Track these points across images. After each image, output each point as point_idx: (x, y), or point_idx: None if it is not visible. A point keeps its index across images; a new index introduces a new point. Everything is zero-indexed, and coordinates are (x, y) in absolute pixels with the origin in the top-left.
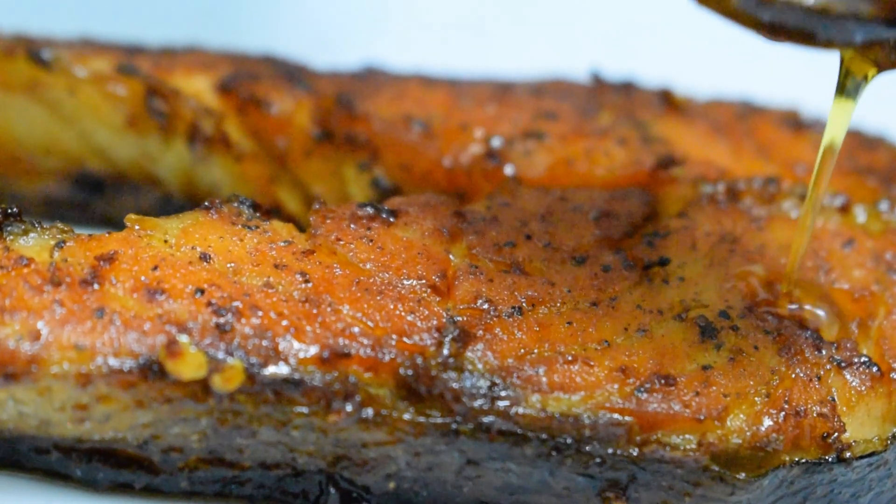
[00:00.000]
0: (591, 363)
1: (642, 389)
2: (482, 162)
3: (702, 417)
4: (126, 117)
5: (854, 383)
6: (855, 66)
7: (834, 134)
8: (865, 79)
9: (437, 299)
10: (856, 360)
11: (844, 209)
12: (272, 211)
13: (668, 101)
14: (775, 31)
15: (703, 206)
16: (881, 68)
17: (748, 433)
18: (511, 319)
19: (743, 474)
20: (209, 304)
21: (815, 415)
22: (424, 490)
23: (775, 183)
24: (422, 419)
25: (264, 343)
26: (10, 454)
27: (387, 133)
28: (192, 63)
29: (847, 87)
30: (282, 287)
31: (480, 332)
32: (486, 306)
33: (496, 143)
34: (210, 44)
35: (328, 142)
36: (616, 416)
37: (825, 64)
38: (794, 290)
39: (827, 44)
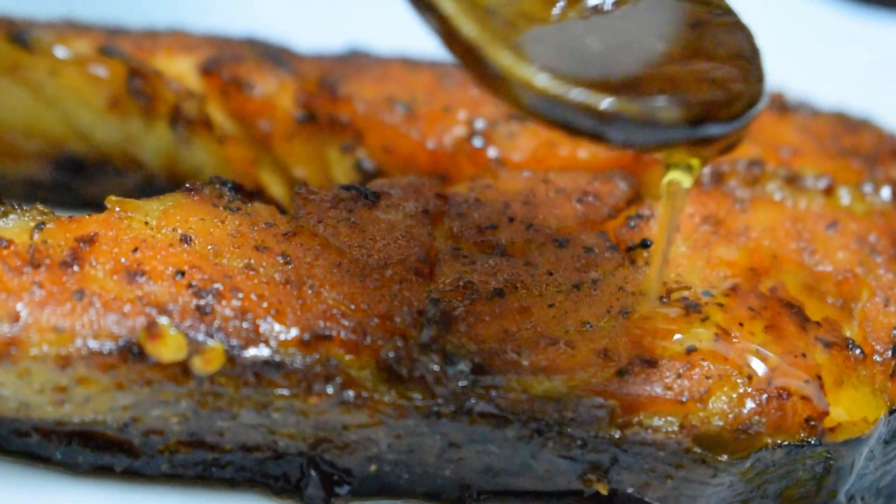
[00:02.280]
0: (573, 345)
1: (624, 372)
2: (465, 144)
3: (684, 399)
4: (108, 99)
5: (838, 366)
6: (676, 158)
7: (670, 215)
8: (690, 168)
9: (419, 281)
10: (840, 342)
11: (828, 191)
12: (254, 193)
13: None
14: (571, 131)
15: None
16: (704, 162)
17: (730, 415)
18: (493, 302)
19: (725, 456)
20: (190, 286)
21: (798, 397)
22: (406, 472)
23: (759, 165)
24: (403, 402)
25: (245, 325)
26: None
27: (370, 115)
28: (175, 45)
29: (673, 172)
30: (263, 269)
31: (462, 314)
32: (468, 289)
33: (479, 125)
34: (193, 26)
35: (311, 124)
36: (598, 398)
37: (810, 46)
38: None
39: (627, 146)
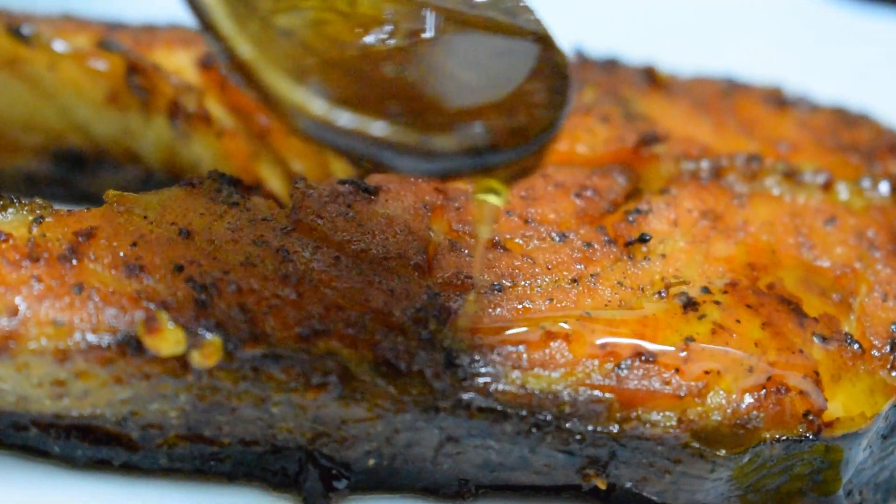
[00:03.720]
0: (572, 340)
1: (623, 366)
2: None
3: (682, 394)
4: (107, 93)
5: (836, 361)
6: (479, 183)
7: (482, 231)
8: (494, 191)
9: (418, 276)
10: (838, 337)
11: (827, 186)
12: (253, 187)
13: (651, 78)
14: (349, 157)
15: (685, 183)
16: (508, 185)
17: (728, 410)
18: (492, 296)
19: (723, 451)
20: (188, 280)
21: (796, 392)
22: (404, 467)
23: (758, 160)
24: (402, 396)
25: (243, 319)
26: None
27: None
28: (173, 39)
29: (481, 194)
30: (261, 263)
31: (461, 308)
32: (466, 283)
33: None
34: (191, 20)
35: None
36: (596, 392)
37: (808, 42)
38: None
39: (410, 174)
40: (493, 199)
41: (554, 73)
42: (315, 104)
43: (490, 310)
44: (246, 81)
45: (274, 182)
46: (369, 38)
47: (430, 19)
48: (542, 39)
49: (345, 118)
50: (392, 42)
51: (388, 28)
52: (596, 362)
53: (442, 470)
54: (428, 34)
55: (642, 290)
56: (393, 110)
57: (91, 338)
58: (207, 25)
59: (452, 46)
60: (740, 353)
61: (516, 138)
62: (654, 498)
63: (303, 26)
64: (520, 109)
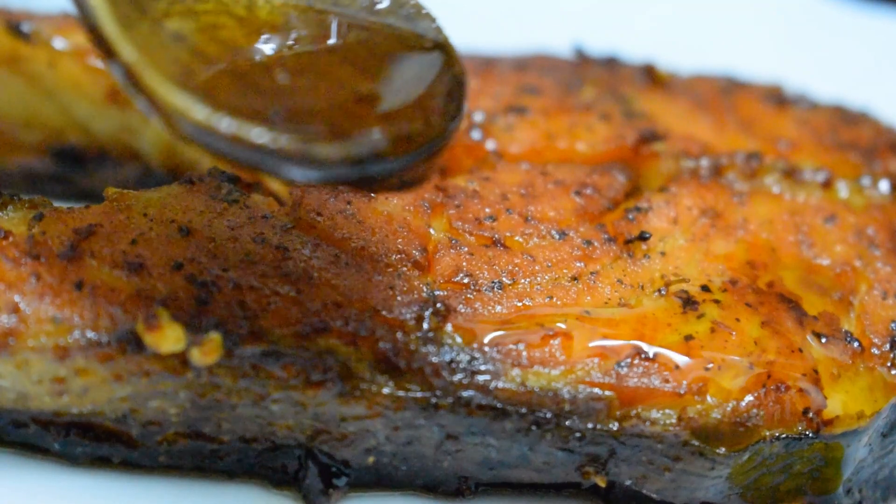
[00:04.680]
0: (571, 337)
1: (622, 364)
2: (464, 136)
3: (682, 392)
4: (106, 91)
5: (835, 359)
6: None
7: None
8: None
9: (418, 273)
10: (837, 335)
11: (827, 184)
12: (253, 185)
13: (651, 76)
14: (233, 163)
15: (685, 181)
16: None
17: (728, 408)
18: (491, 294)
19: (723, 449)
20: (188, 277)
21: (796, 390)
22: (404, 464)
23: (757, 158)
24: (401, 393)
25: (243, 317)
26: None
27: None
28: None
29: None
30: (261, 261)
31: (461, 306)
32: (466, 280)
33: (478, 118)
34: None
35: None
36: (596, 390)
37: (808, 41)
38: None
39: (296, 181)
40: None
41: (449, 82)
42: (196, 109)
43: (490, 307)
44: (129, 83)
45: (274, 180)
46: (263, 45)
47: (329, 26)
48: (441, 48)
49: (225, 124)
50: (287, 49)
51: (284, 34)
52: (595, 360)
53: (442, 467)
54: (325, 41)
55: (642, 287)
56: (277, 117)
57: (91, 335)
58: (92, 27)
59: (348, 54)
60: (740, 351)
61: (402, 148)
62: (654, 495)
63: (195, 30)
64: (409, 119)
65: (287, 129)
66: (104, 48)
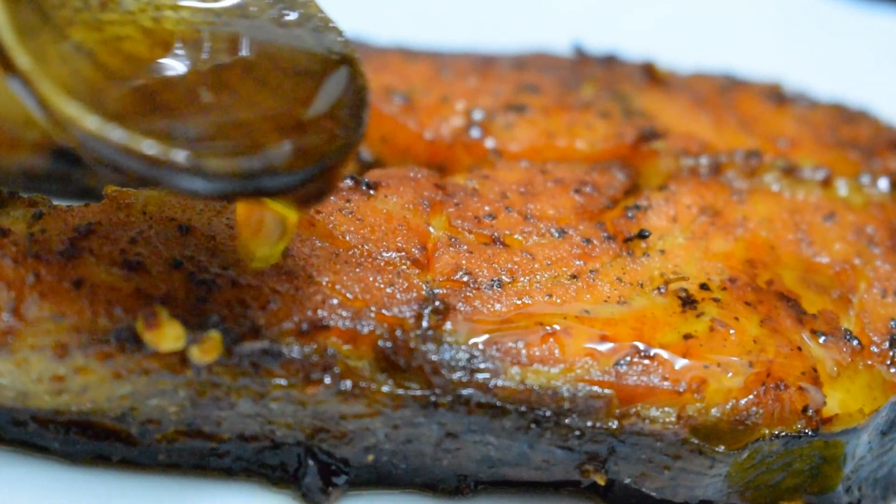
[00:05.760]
0: (571, 336)
1: (622, 363)
2: (463, 135)
3: (681, 390)
4: None
5: (835, 357)
6: (271, 205)
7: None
8: (282, 222)
9: (417, 271)
10: (836, 333)
11: (826, 182)
12: None
13: (650, 74)
14: (127, 174)
15: (684, 179)
16: (296, 207)
17: (727, 406)
18: (491, 292)
19: (722, 447)
20: (187, 276)
21: (795, 388)
22: (403, 463)
23: (757, 156)
24: (400, 391)
25: (243, 315)
26: None
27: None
28: None
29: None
30: None
31: (460, 304)
32: (465, 278)
33: (477, 116)
34: None
35: None
36: (595, 388)
37: (808, 39)
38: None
39: (188, 194)
40: (278, 219)
41: (351, 96)
42: (88, 119)
43: (489, 305)
44: (24, 90)
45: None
46: (167, 57)
47: (235, 39)
48: (346, 62)
49: (116, 134)
50: (190, 62)
51: (189, 46)
52: (595, 358)
53: (441, 465)
54: (230, 54)
55: (641, 286)
56: (171, 130)
57: (90, 333)
58: None
59: (252, 68)
60: (739, 349)
61: (298, 162)
62: (653, 494)
63: (98, 41)
64: (307, 133)
65: (180, 143)
66: (1, 56)
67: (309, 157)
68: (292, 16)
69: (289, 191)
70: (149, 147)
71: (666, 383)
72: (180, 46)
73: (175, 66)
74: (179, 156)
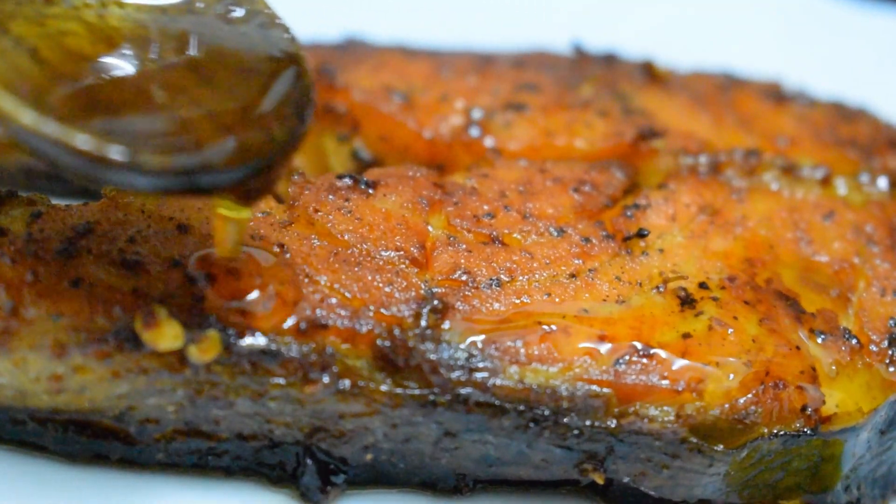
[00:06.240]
0: (570, 335)
1: (620, 361)
2: (462, 134)
3: (680, 389)
4: None
5: (834, 355)
6: (220, 203)
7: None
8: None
9: (416, 270)
10: (835, 332)
11: (825, 181)
12: None
13: (649, 72)
14: (61, 170)
15: (683, 178)
16: (241, 204)
17: (726, 405)
18: (489, 291)
19: (721, 446)
20: (186, 274)
21: (794, 387)
22: (402, 462)
23: (756, 155)
24: (399, 390)
25: (241, 314)
26: None
27: (367, 104)
28: None
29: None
30: (259, 258)
31: (459, 303)
32: (464, 277)
33: (476, 115)
34: None
35: None
36: (594, 387)
37: (807, 37)
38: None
39: (123, 187)
40: (233, 216)
41: (296, 95)
42: (24, 114)
43: (488, 304)
44: None
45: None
46: (111, 54)
47: (180, 35)
48: (292, 60)
49: (50, 129)
50: (133, 58)
51: (133, 42)
52: (593, 357)
53: (440, 464)
54: (175, 50)
55: (640, 285)
56: (112, 127)
57: (88, 332)
58: None
59: (196, 65)
60: (738, 348)
61: (234, 160)
62: (652, 493)
63: (39, 36)
64: (248, 131)
65: (119, 140)
66: None
67: (248, 154)
68: (239, 12)
69: (228, 188)
70: (83, 142)
71: (665, 382)
72: (125, 43)
73: (119, 62)
74: (115, 151)
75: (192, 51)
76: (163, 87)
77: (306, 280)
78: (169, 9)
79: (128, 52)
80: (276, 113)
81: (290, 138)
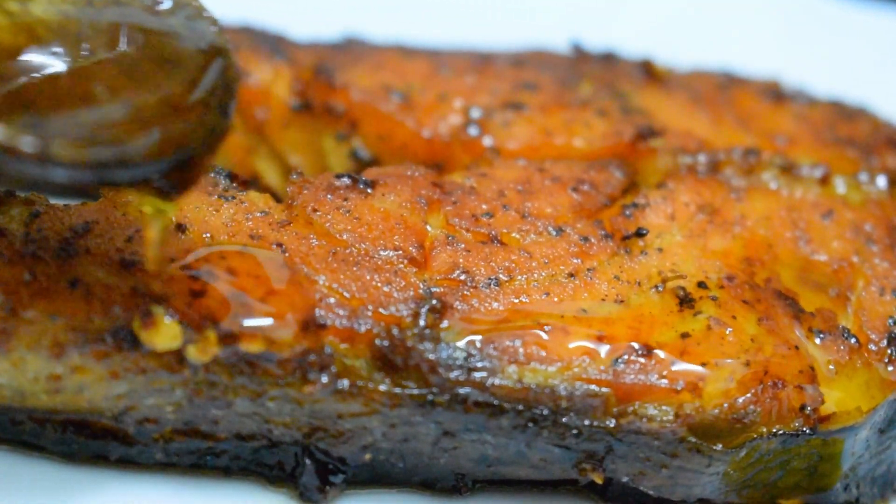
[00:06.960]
0: (568, 334)
1: (619, 361)
2: (461, 133)
3: (678, 388)
4: None
5: (833, 355)
6: (142, 199)
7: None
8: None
9: (414, 270)
10: (834, 331)
11: (824, 180)
12: (249, 181)
13: (648, 71)
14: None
15: (682, 177)
16: (161, 199)
17: (725, 405)
18: (488, 290)
19: (720, 445)
20: (185, 274)
21: (793, 386)
22: (401, 462)
23: (755, 154)
24: (398, 390)
25: (240, 314)
26: None
27: (366, 104)
28: None
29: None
30: (258, 258)
31: (457, 302)
32: (463, 277)
33: (475, 114)
34: None
35: (307, 112)
36: (593, 387)
37: (806, 36)
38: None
39: (32, 180)
40: (156, 213)
41: (220, 88)
42: None
43: (487, 304)
44: None
45: (270, 176)
46: (31, 45)
47: (104, 27)
48: (217, 52)
49: None
50: (57, 49)
51: (56, 34)
52: (592, 357)
53: (438, 464)
54: (99, 42)
55: (639, 284)
56: (29, 121)
57: (86, 333)
58: None
59: (120, 57)
60: (736, 348)
61: (152, 154)
62: (651, 492)
63: None
64: (169, 124)
65: (31, 131)
66: None
67: (168, 147)
68: (165, 4)
69: (145, 181)
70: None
71: (663, 382)
72: (47, 34)
73: (40, 55)
74: (26, 142)
75: (117, 43)
76: (85, 79)
77: (305, 280)
78: (95, 0)
79: (50, 44)
80: (200, 106)
81: (213, 132)
